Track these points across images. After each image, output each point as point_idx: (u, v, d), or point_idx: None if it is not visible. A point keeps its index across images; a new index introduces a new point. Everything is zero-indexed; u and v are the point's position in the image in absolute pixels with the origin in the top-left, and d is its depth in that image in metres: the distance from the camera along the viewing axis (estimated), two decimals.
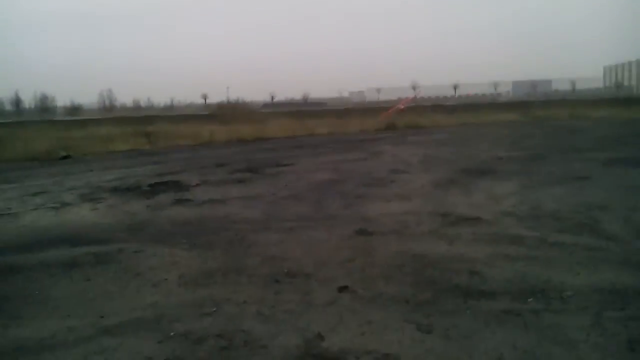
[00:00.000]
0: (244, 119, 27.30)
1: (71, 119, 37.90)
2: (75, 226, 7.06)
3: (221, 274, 4.82)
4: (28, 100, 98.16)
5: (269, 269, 4.89)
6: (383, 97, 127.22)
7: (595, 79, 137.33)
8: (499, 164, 11.05)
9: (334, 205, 7.69)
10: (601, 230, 5.67)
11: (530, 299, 3.89)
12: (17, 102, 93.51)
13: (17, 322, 3.94)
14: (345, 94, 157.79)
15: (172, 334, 3.57)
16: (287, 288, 4.39)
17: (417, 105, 36.45)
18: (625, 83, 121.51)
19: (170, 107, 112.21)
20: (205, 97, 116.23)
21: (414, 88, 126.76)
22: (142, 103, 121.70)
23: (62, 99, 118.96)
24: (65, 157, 15.99)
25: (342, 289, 4.28)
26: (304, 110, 39.59)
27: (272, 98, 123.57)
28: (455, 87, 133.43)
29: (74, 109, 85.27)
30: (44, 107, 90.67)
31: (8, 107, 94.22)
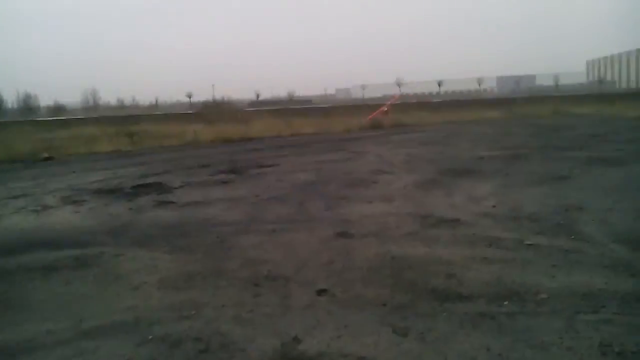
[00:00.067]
0: (229, 118, 27.20)
1: (54, 119, 37.49)
2: (56, 229, 7.03)
3: (201, 277, 4.84)
4: (10, 99, 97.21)
5: (248, 272, 4.91)
6: (368, 94, 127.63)
7: (578, 73, 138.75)
8: (481, 164, 11.15)
9: (316, 207, 7.73)
10: (578, 232, 5.75)
11: (506, 302, 3.95)
12: None
13: None
14: (331, 92, 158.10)
15: (150, 337, 3.59)
16: (266, 291, 4.42)
17: (402, 102, 36.53)
18: (609, 77, 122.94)
19: (155, 106, 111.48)
20: (190, 95, 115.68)
21: (398, 85, 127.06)
22: (127, 102, 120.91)
23: (45, 99, 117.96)
24: (47, 159, 15.85)
25: (321, 292, 4.32)
26: (290, 109, 39.56)
27: (258, 96, 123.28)
28: (439, 84, 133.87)
29: (58, 109, 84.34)
30: (27, 106, 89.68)
31: None
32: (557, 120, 23.39)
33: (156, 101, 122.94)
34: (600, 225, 6.01)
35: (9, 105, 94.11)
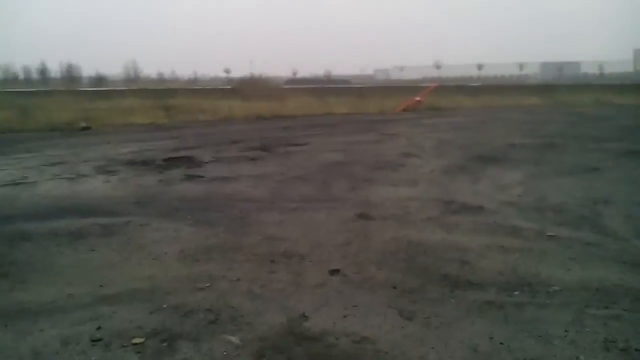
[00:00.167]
0: (264, 95, 27.32)
1: (95, 90, 38.31)
2: (87, 197, 7.27)
3: (220, 251, 4.96)
4: (54, 69, 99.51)
5: (266, 249, 5.01)
6: (406, 75, 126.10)
7: (625, 61, 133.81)
8: (512, 152, 11.00)
9: (340, 187, 7.78)
10: (601, 226, 5.67)
11: (516, 292, 3.95)
12: (43, 71, 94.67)
13: (21, 286, 4.15)
14: (370, 72, 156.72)
15: (164, 305, 3.73)
16: (281, 268, 4.51)
17: (440, 86, 35.96)
18: None
19: (194, 80, 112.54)
20: (227, 71, 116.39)
21: (437, 67, 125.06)
22: (166, 75, 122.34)
23: (87, 69, 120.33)
24: (85, 129, 16.26)
25: (334, 271, 4.39)
26: (326, 88, 39.43)
27: (295, 74, 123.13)
28: (479, 67, 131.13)
29: (99, 80, 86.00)
30: (70, 76, 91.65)
31: (35, 75, 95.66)
32: (597, 110, 22.73)
33: (195, 75, 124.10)
34: (626, 219, 5.89)
35: (53, 75, 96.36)
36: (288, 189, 7.70)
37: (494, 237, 5.33)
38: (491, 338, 3.23)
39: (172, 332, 3.31)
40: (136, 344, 3.16)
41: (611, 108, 24.20)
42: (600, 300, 3.78)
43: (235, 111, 21.32)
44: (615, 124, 16.87)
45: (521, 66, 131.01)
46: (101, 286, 4.12)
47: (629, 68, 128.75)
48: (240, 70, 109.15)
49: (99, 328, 3.38)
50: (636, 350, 3.06)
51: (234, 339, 3.20)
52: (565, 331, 3.31)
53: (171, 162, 10.03)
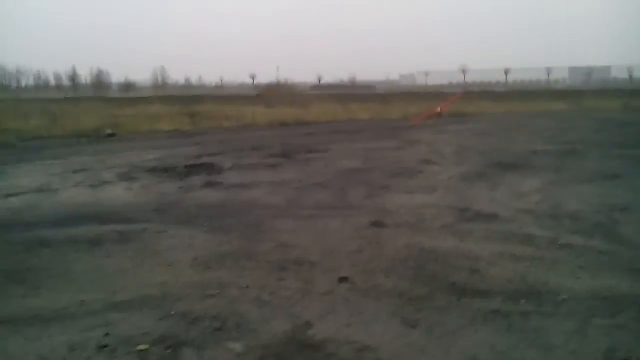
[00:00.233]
0: (288, 101, 27.54)
1: (122, 97, 39.07)
2: (107, 204, 7.44)
3: (232, 258, 5.04)
4: (84, 75, 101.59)
5: (278, 256, 5.08)
6: (432, 81, 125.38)
7: None
8: (532, 158, 10.90)
9: (356, 194, 7.81)
10: (616, 234, 5.60)
11: (523, 301, 3.94)
12: (73, 77, 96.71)
13: (35, 292, 4.28)
14: (394, 77, 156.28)
15: (172, 312, 3.81)
16: (291, 275, 4.57)
17: (464, 94, 35.66)
18: None
19: (220, 86, 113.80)
20: (253, 77, 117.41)
21: (463, 72, 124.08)
22: (193, 81, 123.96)
23: (117, 75, 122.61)
24: (110, 135, 16.62)
25: (342, 279, 4.43)
26: (350, 94, 39.52)
27: (319, 80, 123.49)
28: (506, 72, 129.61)
29: (128, 86, 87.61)
30: (99, 82, 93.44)
31: (65, 81, 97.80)
32: (625, 115, 22.35)
33: (221, 81, 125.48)
34: None
35: (83, 80, 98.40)
36: (304, 196, 7.77)
37: (506, 245, 5.31)
38: (492, 347, 3.24)
39: (177, 339, 3.39)
40: (141, 350, 3.25)
41: (639, 113, 23.73)
42: (606, 309, 3.75)
43: (259, 117, 21.54)
44: None
45: (548, 70, 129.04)
46: (114, 293, 4.22)
47: None
48: (266, 76, 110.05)
49: (106, 334, 3.47)
50: None
51: (237, 346, 3.27)
52: (567, 341, 3.30)
53: (192, 169, 10.19)
